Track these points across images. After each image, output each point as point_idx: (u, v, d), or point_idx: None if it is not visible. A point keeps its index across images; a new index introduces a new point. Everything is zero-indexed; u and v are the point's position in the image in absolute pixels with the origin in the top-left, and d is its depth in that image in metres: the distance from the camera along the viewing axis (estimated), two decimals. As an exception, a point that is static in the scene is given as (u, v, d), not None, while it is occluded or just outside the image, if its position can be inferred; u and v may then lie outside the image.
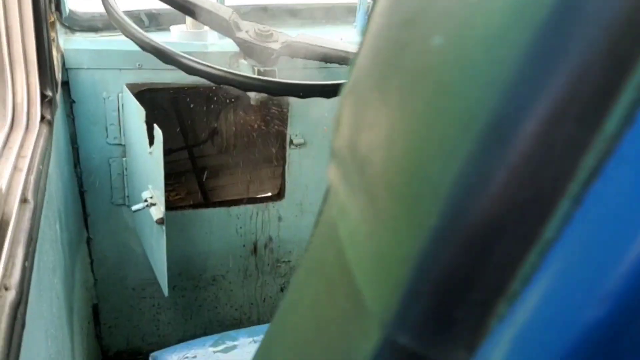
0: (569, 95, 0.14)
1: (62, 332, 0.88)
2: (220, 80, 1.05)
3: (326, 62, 1.30)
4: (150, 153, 1.10)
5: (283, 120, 1.48)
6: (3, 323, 0.47)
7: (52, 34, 1.17)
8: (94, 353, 1.37)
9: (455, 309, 0.18)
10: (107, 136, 1.27)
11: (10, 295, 0.50)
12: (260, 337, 1.05)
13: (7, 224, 0.58)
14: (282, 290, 1.64)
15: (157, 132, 1.04)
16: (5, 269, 0.53)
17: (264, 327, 1.08)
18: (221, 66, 1.31)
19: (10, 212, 0.60)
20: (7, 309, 0.48)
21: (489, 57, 0.16)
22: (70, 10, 1.28)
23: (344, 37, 1.48)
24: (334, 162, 0.25)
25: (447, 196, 0.17)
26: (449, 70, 0.17)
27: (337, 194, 0.25)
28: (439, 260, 0.17)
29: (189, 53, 1.30)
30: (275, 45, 1.29)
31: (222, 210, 1.45)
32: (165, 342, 1.55)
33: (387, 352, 0.20)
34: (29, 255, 0.58)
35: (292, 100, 1.45)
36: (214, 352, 0.96)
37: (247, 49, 1.29)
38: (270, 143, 1.59)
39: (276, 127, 1.56)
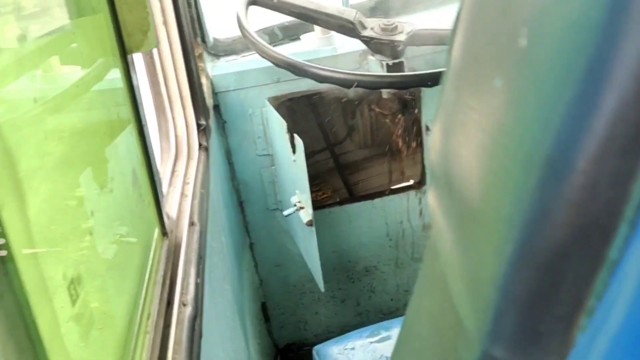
0: (610, 134, 0.16)
1: (237, 332, 1.00)
2: (349, 83, 1.08)
3: (455, 44, 1.26)
4: (295, 161, 1.18)
5: (417, 106, 1.47)
6: (185, 336, 0.55)
7: (201, 65, 1.31)
8: (268, 347, 1.52)
9: (541, 324, 0.20)
10: (256, 149, 1.39)
11: (188, 311, 0.59)
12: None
13: (179, 246, 0.69)
14: (436, 277, 1.64)
15: (298, 141, 1.10)
16: (182, 287, 0.62)
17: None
18: (350, 68, 1.35)
19: (181, 236, 0.71)
20: (186, 323, 0.57)
21: (540, 97, 0.18)
22: (214, 39, 1.41)
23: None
24: (430, 178, 0.27)
25: (519, 226, 0.19)
26: (507, 110, 0.19)
27: (434, 212, 0.27)
28: (521, 282, 0.20)
29: (320, 59, 1.36)
30: (401, 37, 1.28)
31: (366, 203, 1.49)
32: (329, 332, 1.66)
33: None
34: (200, 272, 0.67)
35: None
36: (370, 342, 1.01)
37: (374, 46, 1.31)
38: (406, 131, 1.58)
39: (411, 114, 1.55)
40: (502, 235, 0.20)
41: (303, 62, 1.13)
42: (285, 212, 1.20)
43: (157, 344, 0.53)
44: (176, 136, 0.97)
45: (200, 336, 0.60)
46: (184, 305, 0.60)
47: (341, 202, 1.51)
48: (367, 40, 1.30)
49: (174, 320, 0.56)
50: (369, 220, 1.51)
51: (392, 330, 1.02)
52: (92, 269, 0.47)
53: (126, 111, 0.64)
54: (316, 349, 1.01)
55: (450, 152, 0.24)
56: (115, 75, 0.63)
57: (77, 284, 0.42)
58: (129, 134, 0.64)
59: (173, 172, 0.89)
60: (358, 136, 1.60)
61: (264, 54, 1.18)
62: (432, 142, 0.27)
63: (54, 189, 0.42)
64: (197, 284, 0.64)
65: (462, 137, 0.23)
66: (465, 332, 0.23)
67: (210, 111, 1.19)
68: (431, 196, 0.27)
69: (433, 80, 1.07)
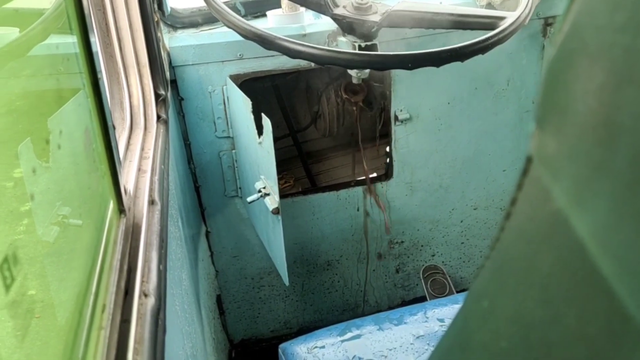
0: None
1: (194, 327, 0.90)
2: (326, 60, 1.00)
3: (431, 28, 1.21)
4: (260, 143, 1.08)
5: (386, 96, 1.41)
6: (147, 332, 0.45)
7: (158, 34, 1.19)
8: (222, 342, 1.42)
9: None
10: (215, 130, 1.28)
11: (150, 302, 0.49)
12: (387, 325, 1.01)
13: (138, 227, 0.58)
14: (397, 272, 1.59)
15: (266, 121, 1.01)
16: (143, 274, 0.52)
17: (390, 314, 1.03)
18: (323, 46, 1.26)
19: (140, 215, 0.60)
20: (148, 317, 0.47)
21: None
22: (171, 9, 1.29)
23: (443, 0, 1.37)
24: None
25: None
26: None
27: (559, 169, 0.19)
28: None
29: (287, 36, 1.27)
30: (376, 17, 1.21)
31: (331, 194, 1.42)
32: (286, 327, 1.57)
33: None
34: (162, 258, 0.58)
35: (394, 74, 1.38)
36: (341, 341, 0.93)
37: (346, 25, 1.23)
38: (374, 121, 1.52)
39: (379, 103, 1.49)
40: None
41: (274, 34, 1.04)
42: (249, 199, 1.11)
43: (114, 342, 0.43)
44: (131, 106, 0.86)
45: (164, 332, 0.50)
46: (145, 295, 0.50)
47: (305, 192, 1.42)
48: (339, 19, 1.22)
49: (134, 313, 0.46)
50: (333, 211, 1.43)
51: (365, 328, 0.95)
52: (31, 248, 0.37)
53: (78, 70, 0.53)
54: (282, 347, 0.93)
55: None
56: (64, 17, 0.52)
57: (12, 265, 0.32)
58: (82, 99, 0.54)
59: (128, 145, 0.77)
60: (323, 124, 1.52)
61: (230, 24, 1.07)
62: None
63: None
64: (159, 271, 0.54)
65: None
66: (630, 328, 0.16)
67: (168, 85, 1.08)
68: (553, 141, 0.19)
69: (415, 62, 1.00)
